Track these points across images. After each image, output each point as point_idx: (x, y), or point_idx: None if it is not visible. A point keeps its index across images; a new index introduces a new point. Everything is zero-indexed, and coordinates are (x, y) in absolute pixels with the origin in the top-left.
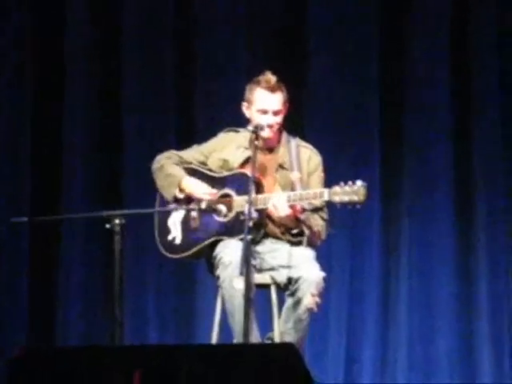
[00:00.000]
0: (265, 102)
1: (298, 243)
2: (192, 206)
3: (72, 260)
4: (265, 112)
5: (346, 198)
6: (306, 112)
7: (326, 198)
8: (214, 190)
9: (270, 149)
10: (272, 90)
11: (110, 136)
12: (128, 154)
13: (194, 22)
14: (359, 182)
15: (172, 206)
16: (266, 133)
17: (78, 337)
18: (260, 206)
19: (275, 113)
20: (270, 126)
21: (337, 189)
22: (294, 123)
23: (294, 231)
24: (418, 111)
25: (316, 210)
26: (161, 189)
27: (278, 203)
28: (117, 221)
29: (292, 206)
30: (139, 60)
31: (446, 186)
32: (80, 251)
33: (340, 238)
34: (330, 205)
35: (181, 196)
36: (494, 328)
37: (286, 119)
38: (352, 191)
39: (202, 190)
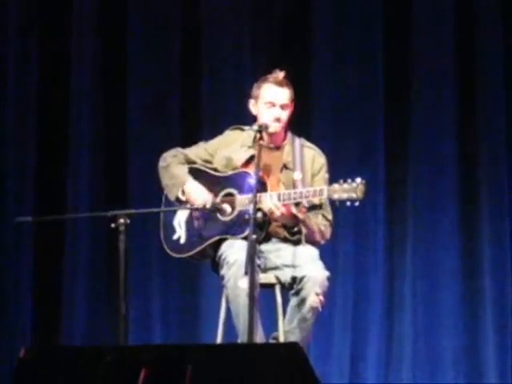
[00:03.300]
0: (273, 95)
1: (298, 241)
2: (196, 205)
3: (77, 259)
4: (273, 105)
5: (344, 196)
6: (310, 109)
7: (324, 195)
8: (210, 198)
9: (275, 148)
10: (280, 84)
11: (116, 135)
12: (133, 154)
13: (200, 13)
14: (358, 180)
15: (176, 205)
16: (272, 128)
17: (83, 335)
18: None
19: (283, 107)
20: (277, 120)
21: (335, 186)
22: (299, 121)
23: (294, 230)
24: (423, 108)
25: (314, 207)
26: (165, 188)
27: (270, 204)
28: (121, 220)
29: (285, 205)
30: (145, 58)
31: (451, 183)
32: (85, 250)
33: (344, 237)
34: (329, 202)
35: (183, 198)
36: (498, 325)
37: (290, 119)
38: (350, 188)
39: (201, 198)
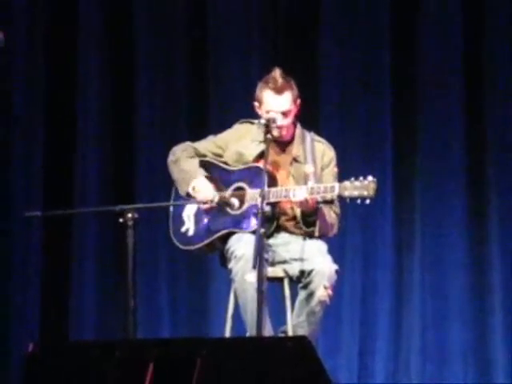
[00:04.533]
0: (273, 105)
1: (311, 233)
2: (203, 200)
3: (85, 254)
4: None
5: (355, 193)
6: (317, 106)
7: (336, 192)
8: (216, 197)
9: (285, 143)
10: (279, 91)
11: (124, 129)
12: (141, 148)
13: (207, 12)
14: (370, 177)
15: (185, 199)
16: (276, 132)
17: (92, 329)
18: (272, 200)
19: (284, 114)
20: (280, 128)
21: (347, 184)
22: (307, 118)
23: (311, 219)
24: (431, 104)
25: (326, 202)
26: (175, 182)
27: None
28: (129, 215)
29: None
30: (152, 51)
31: (459, 177)
32: (93, 245)
33: (352, 230)
34: (340, 199)
35: (194, 194)
36: (507, 316)
37: (299, 113)
38: (362, 186)
39: (207, 196)
